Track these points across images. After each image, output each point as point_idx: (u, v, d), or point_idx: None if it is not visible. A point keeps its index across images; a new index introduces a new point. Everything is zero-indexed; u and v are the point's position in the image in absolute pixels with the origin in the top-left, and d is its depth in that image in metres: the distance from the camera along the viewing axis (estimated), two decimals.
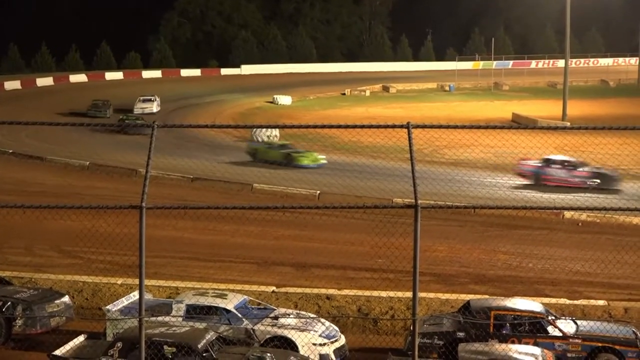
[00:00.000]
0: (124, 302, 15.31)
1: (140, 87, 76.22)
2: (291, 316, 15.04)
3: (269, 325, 14.57)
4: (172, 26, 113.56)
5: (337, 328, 15.00)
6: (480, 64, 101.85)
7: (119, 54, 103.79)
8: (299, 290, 17.47)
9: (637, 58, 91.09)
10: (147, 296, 15.02)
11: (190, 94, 74.78)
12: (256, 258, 22.00)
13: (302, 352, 13.97)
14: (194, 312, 14.69)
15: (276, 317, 14.89)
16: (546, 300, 16.75)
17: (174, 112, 63.33)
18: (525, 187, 33.73)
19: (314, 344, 14.18)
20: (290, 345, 14.10)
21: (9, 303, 15.45)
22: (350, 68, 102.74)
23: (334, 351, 14.36)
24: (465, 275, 20.85)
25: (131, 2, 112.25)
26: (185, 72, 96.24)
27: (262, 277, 19.80)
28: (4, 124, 53.61)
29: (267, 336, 14.34)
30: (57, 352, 13.34)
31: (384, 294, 16.98)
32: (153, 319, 14.15)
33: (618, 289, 19.47)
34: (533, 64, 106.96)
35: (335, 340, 14.54)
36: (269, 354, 12.95)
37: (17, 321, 15.37)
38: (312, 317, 15.16)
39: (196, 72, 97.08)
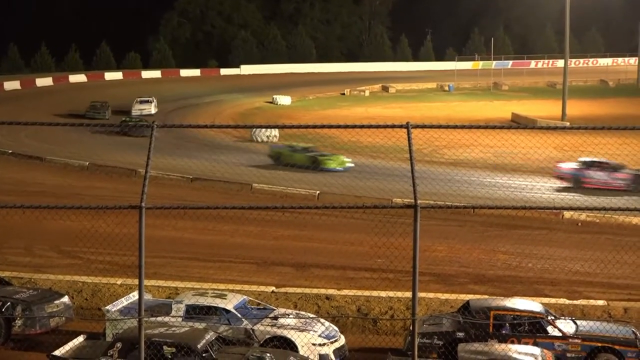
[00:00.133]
0: (123, 302, 15.31)
1: (140, 87, 76.18)
2: (291, 316, 15.04)
3: (268, 325, 14.58)
4: (172, 26, 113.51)
5: (336, 328, 15.01)
6: (479, 64, 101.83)
7: (119, 54, 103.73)
8: (299, 290, 17.48)
9: (637, 58, 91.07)
10: (147, 296, 15.03)
11: (190, 94, 74.75)
12: (256, 258, 22.00)
13: (301, 352, 13.97)
14: (194, 312, 14.69)
15: (276, 317, 14.89)
16: (546, 300, 16.76)
17: (173, 112, 63.30)
18: (565, 189, 33.40)
19: (314, 344, 14.18)
20: (290, 346, 14.11)
21: (9, 303, 15.45)
22: (350, 68, 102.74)
23: (334, 351, 14.37)
24: (464, 275, 20.86)
25: (131, 2, 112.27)
26: (184, 72, 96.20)
27: (262, 277, 19.81)
28: (3, 124, 53.64)
29: (267, 336, 14.34)
30: (57, 353, 13.34)
31: (383, 294, 16.98)
32: (152, 319, 14.15)
33: (617, 289, 19.47)
34: (532, 64, 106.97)
35: (335, 341, 14.54)
36: (268, 354, 12.95)
37: (16, 321, 15.38)
38: (311, 317, 15.16)
39: (196, 72, 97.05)
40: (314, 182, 33.27)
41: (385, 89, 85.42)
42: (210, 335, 13.26)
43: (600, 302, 16.89)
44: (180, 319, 14.52)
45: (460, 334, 14.20)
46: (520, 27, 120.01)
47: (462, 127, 12.26)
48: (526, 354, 12.83)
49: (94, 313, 16.70)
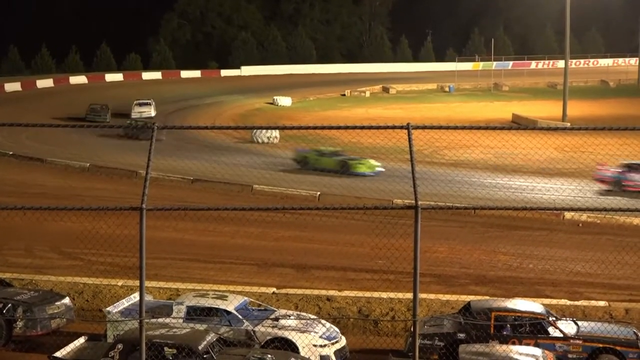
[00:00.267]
0: (124, 303, 15.30)
1: (141, 88, 76.23)
2: (292, 317, 15.04)
3: (269, 326, 14.57)
4: (172, 27, 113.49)
5: (337, 329, 15.00)
6: (480, 65, 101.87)
7: (119, 56, 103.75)
8: (300, 291, 17.48)
9: (637, 58, 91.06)
10: (148, 298, 15.01)
11: (190, 95, 74.78)
12: (256, 259, 22.00)
13: (302, 353, 13.97)
14: (195, 313, 14.70)
15: (277, 319, 14.88)
16: (547, 301, 16.75)
17: (174, 114, 63.30)
18: (606, 193, 32.70)
19: (315, 345, 14.18)
20: (291, 347, 14.10)
21: (10, 305, 15.45)
22: (350, 69, 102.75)
23: (335, 352, 14.36)
24: (465, 276, 20.85)
25: (131, 3, 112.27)
26: (185, 74, 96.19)
27: (263, 279, 19.81)
28: (4, 126, 53.65)
29: (268, 337, 14.34)
30: (58, 354, 13.33)
31: (384, 295, 16.98)
32: (154, 320, 14.16)
33: (619, 289, 19.46)
34: (533, 64, 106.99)
35: (336, 342, 14.54)
36: (269, 356, 12.94)
37: (17, 323, 15.38)
38: (312, 319, 15.15)
39: (196, 73, 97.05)
40: (314, 183, 33.30)
41: (385, 89, 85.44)
42: (211, 337, 13.26)
43: (602, 303, 16.89)
44: (181, 320, 14.52)
45: (461, 335, 14.20)
46: (520, 28, 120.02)
47: (463, 128, 12.29)
48: (527, 355, 12.81)
49: (95, 314, 16.70)
